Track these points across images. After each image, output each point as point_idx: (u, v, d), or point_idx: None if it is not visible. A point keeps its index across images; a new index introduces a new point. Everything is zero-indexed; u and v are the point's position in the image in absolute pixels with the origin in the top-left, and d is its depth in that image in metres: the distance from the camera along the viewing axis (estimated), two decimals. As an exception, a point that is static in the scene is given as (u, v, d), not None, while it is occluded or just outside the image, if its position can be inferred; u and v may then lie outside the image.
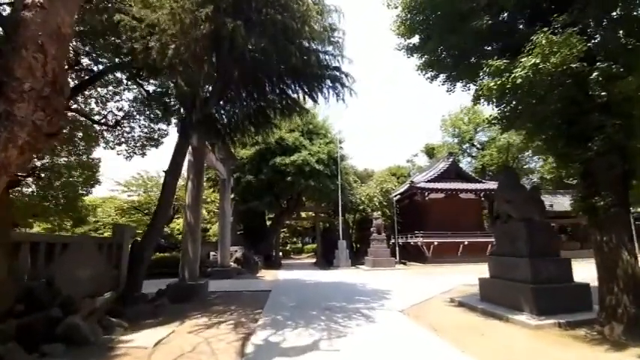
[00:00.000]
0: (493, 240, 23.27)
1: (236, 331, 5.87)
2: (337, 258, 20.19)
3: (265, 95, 10.57)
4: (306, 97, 10.38)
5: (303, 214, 27.95)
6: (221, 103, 9.98)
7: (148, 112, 13.00)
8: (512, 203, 7.88)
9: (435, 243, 21.63)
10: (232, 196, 20.72)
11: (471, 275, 15.04)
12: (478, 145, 30.65)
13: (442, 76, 8.84)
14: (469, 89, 8.94)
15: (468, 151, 31.43)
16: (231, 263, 17.13)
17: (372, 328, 5.98)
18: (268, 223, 25.33)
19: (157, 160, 32.07)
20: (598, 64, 5.64)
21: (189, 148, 10.53)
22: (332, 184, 19.64)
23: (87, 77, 11.19)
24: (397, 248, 21.19)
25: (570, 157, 6.39)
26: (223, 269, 14.94)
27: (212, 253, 17.99)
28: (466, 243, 22.04)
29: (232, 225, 20.59)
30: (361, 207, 22.60)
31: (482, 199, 24.55)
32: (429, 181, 23.12)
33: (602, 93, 5.65)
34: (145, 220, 20.77)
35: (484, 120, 34.22)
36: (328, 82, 9.76)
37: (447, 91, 9.14)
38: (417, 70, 9.06)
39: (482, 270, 18.09)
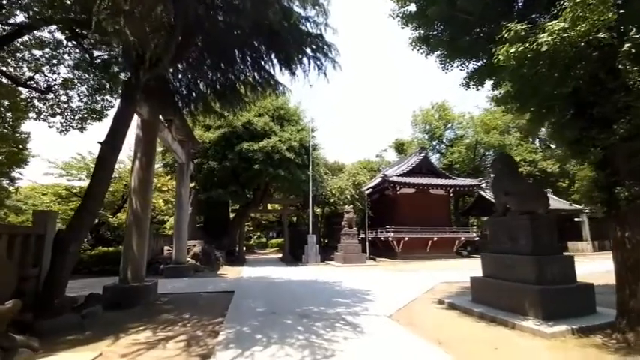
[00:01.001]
0: (461, 236, 23.67)
1: (189, 351, 4.44)
2: (306, 253, 19.01)
3: (234, 64, 9.00)
4: (283, 69, 8.95)
5: (270, 207, 26.39)
6: (179, 67, 8.25)
7: (91, 81, 10.78)
8: (513, 195, 7.12)
9: (406, 238, 21.22)
10: (193, 185, 18.75)
11: (445, 272, 14.67)
12: (447, 143, 30.92)
13: (438, 53, 7.94)
14: (467, 67, 8.14)
15: (437, 148, 31.64)
16: (189, 259, 15.31)
17: (363, 342, 4.83)
18: (232, 215, 23.49)
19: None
20: (631, 33, 4.89)
21: (139, 121, 8.72)
22: (303, 175, 18.36)
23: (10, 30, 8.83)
24: (367, 243, 20.48)
25: (587, 143, 5.66)
26: (179, 266, 13.13)
27: (167, 248, 15.97)
28: (435, 239, 21.90)
29: (191, 216, 18.62)
30: (332, 200, 21.58)
31: (452, 195, 24.65)
32: (400, 176, 22.65)
33: (634, 68, 4.91)
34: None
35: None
36: (309, 51, 8.43)
37: (443, 69, 8.28)
38: (411, 44, 8.08)
39: (453, 266, 18.51)
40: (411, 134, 33.11)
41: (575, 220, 28.08)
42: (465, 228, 24.70)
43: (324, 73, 8.66)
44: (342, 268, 16.33)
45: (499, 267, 7.04)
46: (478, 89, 9.21)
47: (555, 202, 26.69)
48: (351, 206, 19.97)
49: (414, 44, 8.25)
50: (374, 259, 21.03)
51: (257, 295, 8.52)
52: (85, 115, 11.17)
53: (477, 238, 23.69)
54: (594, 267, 15.15)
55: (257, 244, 41.47)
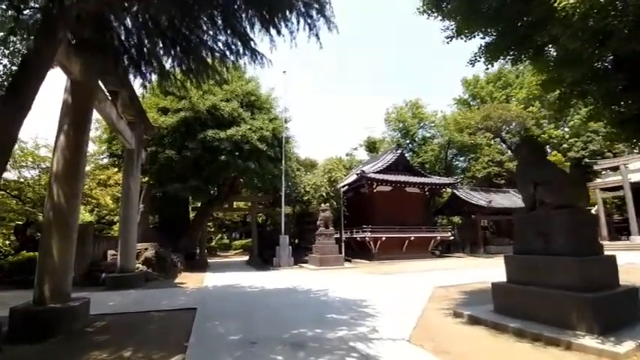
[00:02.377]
0: (437, 235, 23.17)
1: None
2: (278, 256, 17.16)
3: (199, 20, 7.05)
4: (263, 29, 7.14)
5: (237, 205, 24.10)
6: (127, 6, 6.12)
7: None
8: (546, 185, 5.98)
9: (383, 238, 20.17)
10: (146, 179, 16.15)
11: (432, 274, 13.61)
12: (419, 141, 30.64)
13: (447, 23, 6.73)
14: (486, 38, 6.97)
15: (410, 146, 31.26)
16: (139, 265, 12.91)
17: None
18: (192, 214, 20.93)
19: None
20: None
21: (68, 83, 6.47)
22: (275, 169, 16.53)
23: None
24: (342, 244, 19.11)
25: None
26: (125, 275, 10.76)
27: (111, 253, 13.31)
28: (412, 238, 21.11)
29: (143, 215, 16.01)
30: (305, 197, 19.94)
31: (427, 193, 24.12)
32: (377, 173, 21.60)
33: None
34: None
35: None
36: (300, 5, 6.74)
37: (457, 37, 7.07)
38: (421, 8, 6.83)
39: (434, 267, 17.58)
40: (383, 132, 32.69)
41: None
42: (441, 227, 24.29)
43: (316, 36, 7.01)
44: (320, 272, 14.75)
45: (528, 271, 5.87)
46: (487, 67, 8.15)
47: (520, 200, 27.30)
48: (327, 204, 18.48)
49: (424, 8, 6.94)
50: (349, 261, 19.70)
51: (227, 313, 6.64)
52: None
53: (452, 238, 23.35)
54: None
55: (220, 245, 38.54)
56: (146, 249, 13.90)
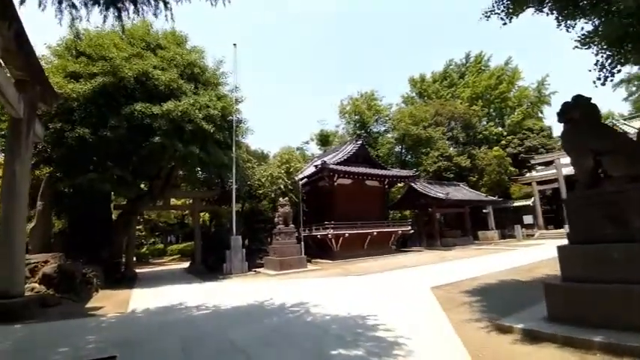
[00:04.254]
0: (397, 230, 22.24)
1: None
2: (229, 261, 14.32)
3: None
4: None
5: (175, 202, 20.44)
6: None
7: None
8: (615, 155, 4.60)
9: (346, 235, 18.49)
10: (47, 169, 12.29)
11: (412, 272, 12.01)
12: (375, 134, 29.81)
13: None
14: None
15: (366, 140, 30.28)
16: (33, 285, 9.38)
17: None
18: (115, 213, 16.90)
19: None
20: None
21: None
22: (225, 157, 13.69)
23: None
24: (302, 243, 16.94)
25: None
26: (5, 302, 7.26)
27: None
28: (375, 234, 19.81)
29: (42, 216, 12.12)
30: (260, 191, 17.33)
31: (386, 186, 23.15)
32: (338, 164, 19.85)
33: None
34: None
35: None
36: None
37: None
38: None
39: (404, 263, 16.11)
40: (337, 125, 31.33)
41: (484, 211, 30.16)
42: (401, 221, 23.51)
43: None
44: (283, 279, 12.38)
45: (597, 264, 4.42)
46: (505, 22, 6.83)
47: (472, 194, 28.06)
48: (286, 198, 16.14)
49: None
50: (309, 262, 17.59)
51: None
52: None
53: (412, 232, 22.70)
54: (534, 255, 14.71)
55: (152, 252, 33.43)
56: (45, 262, 10.18)
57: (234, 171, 14.45)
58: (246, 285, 11.36)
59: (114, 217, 16.44)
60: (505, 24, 6.73)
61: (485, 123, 38.47)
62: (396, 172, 22.72)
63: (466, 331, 4.91)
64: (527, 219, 31.12)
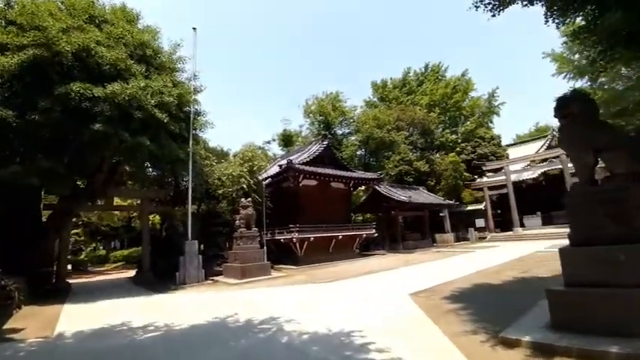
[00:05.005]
0: (362, 233, 21.89)
1: None
2: (184, 269, 12.77)
3: None
4: None
5: (119, 201, 18.08)
6: None
7: None
8: (617, 151, 4.36)
9: (311, 239, 17.69)
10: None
11: (383, 278, 11.40)
12: (339, 136, 29.49)
13: None
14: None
15: (331, 141, 29.86)
16: None
17: None
18: (46, 213, 14.41)
19: None
20: None
21: None
22: (181, 151, 12.21)
23: None
24: (265, 248, 15.82)
25: None
26: None
27: None
28: (340, 237, 19.27)
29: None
30: (220, 191, 15.90)
31: (351, 189, 22.80)
32: (303, 164, 19.02)
33: None
34: None
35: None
36: None
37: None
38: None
39: (370, 267, 15.82)
40: (301, 125, 30.50)
41: (440, 214, 31.19)
42: (366, 224, 23.25)
43: None
44: (246, 288, 11.20)
45: (602, 267, 4.13)
46: (494, 14, 6.60)
47: (431, 197, 28.82)
48: (249, 199, 14.92)
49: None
50: (272, 268, 16.52)
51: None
52: None
53: (376, 235, 22.54)
54: (495, 257, 15.21)
55: (91, 259, 29.84)
56: (-60, 274, 8.06)
57: (190, 168, 12.96)
58: (204, 297, 10.03)
59: (45, 218, 13.98)
60: (494, 16, 6.48)
61: (441, 130, 40.15)
62: (361, 174, 22.49)
63: (468, 346, 4.35)
64: (479, 222, 32.75)
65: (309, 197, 19.55)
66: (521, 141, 45.70)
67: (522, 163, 32.34)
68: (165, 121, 10.81)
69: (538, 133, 47.06)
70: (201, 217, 18.82)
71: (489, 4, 6.44)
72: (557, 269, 10.65)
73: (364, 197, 27.63)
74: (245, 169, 16.14)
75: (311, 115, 29.21)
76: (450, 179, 31.82)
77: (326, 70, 79.52)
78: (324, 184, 20.36)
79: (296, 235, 17.09)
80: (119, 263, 27.85)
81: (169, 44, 13.30)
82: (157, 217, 21.15)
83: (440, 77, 43.48)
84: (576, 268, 4.37)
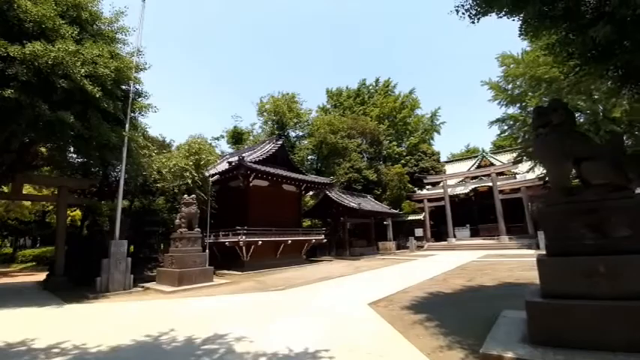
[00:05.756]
0: (312, 238, 21.25)
1: None
2: (107, 273, 10.81)
3: None
4: None
5: (30, 189, 14.99)
6: None
7: None
8: (597, 161, 4.42)
9: (259, 243, 16.63)
10: None
11: (336, 286, 10.84)
12: (293, 139, 28.77)
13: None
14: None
15: (285, 143, 28.97)
16: None
17: None
18: None
19: None
20: None
21: None
22: (114, 135, 10.43)
23: None
24: (207, 251, 14.35)
25: None
26: None
27: None
28: (289, 242, 18.49)
29: None
30: (158, 185, 14.06)
31: (303, 192, 22.20)
32: (255, 163, 17.92)
33: None
34: None
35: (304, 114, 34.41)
36: None
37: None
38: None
39: (320, 274, 15.21)
40: (253, 123, 29.05)
41: (384, 222, 32.19)
42: (316, 229, 22.74)
43: None
44: (185, 298, 9.80)
45: (582, 278, 4.11)
46: (473, 21, 6.61)
47: (378, 206, 29.54)
48: (193, 196, 13.39)
49: None
50: (214, 274, 15.06)
51: None
52: None
53: (325, 240, 22.18)
54: (437, 265, 15.59)
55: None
56: None
57: (124, 155, 11.16)
58: (132, 308, 8.49)
59: None
60: (473, 22, 6.50)
61: (389, 142, 41.91)
62: (314, 177, 22.06)
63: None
64: (418, 232, 34.52)
65: (260, 198, 18.50)
66: (455, 159, 49.91)
67: (457, 179, 35.06)
68: (97, 96, 9.10)
69: (469, 154, 51.96)
70: (133, 214, 16.57)
71: (467, 11, 6.44)
72: (499, 278, 11.38)
73: (314, 202, 27.25)
74: (191, 163, 14.53)
75: (265, 113, 28.05)
76: (395, 189, 33.10)
77: (282, 72, 78.65)
78: (276, 186, 19.48)
79: (243, 237, 15.89)
80: (28, 264, 23.42)
81: (112, 12, 11.45)
82: (78, 211, 18.13)
83: (389, 92, 45.55)
84: (555, 279, 4.29)
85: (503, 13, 6.25)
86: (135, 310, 8.12)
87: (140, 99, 12.46)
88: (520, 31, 6.31)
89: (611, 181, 4.27)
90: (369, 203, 28.01)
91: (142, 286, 11.63)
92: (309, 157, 29.96)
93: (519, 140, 31.28)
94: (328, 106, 42.65)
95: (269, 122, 28.30)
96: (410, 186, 35.70)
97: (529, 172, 31.74)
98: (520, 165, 29.91)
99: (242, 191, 18.02)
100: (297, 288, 10.76)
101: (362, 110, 39.87)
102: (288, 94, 28.21)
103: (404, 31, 79.98)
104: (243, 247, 16.16)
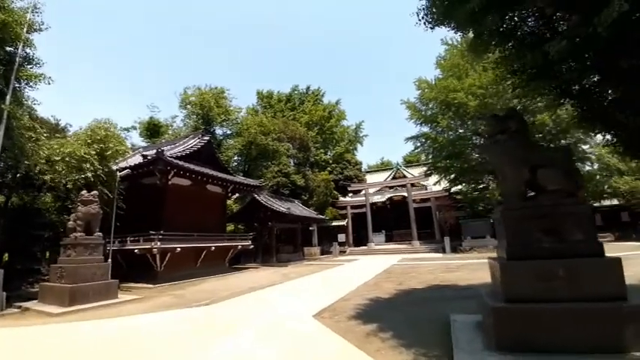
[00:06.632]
0: (237, 244, 19.52)
1: None
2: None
3: None
4: None
5: None
6: None
7: None
8: (552, 169, 4.68)
9: (178, 250, 14.56)
10: None
11: (269, 297, 9.86)
12: (220, 137, 26.57)
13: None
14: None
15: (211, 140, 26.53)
16: None
17: None
18: None
19: None
20: None
21: None
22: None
23: None
24: (110, 260, 11.85)
25: None
26: None
27: None
28: (213, 249, 16.73)
29: None
30: (46, 177, 11.04)
31: (229, 194, 20.50)
32: (176, 158, 15.76)
33: None
34: None
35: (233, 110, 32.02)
36: None
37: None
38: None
39: (248, 283, 14.20)
40: (174, 116, 25.79)
41: (310, 228, 32.16)
42: (242, 234, 21.08)
43: None
44: (77, 322, 7.66)
45: (543, 282, 4.25)
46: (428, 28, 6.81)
47: (305, 211, 29.29)
48: (94, 192, 10.86)
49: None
50: (119, 288, 12.52)
51: None
52: None
53: (252, 247, 20.78)
54: (364, 270, 15.65)
55: None
56: None
57: (1, 135, 8.42)
58: (1, 338, 6.22)
59: None
60: (432, 28, 6.61)
61: (316, 149, 42.45)
62: (243, 179, 20.59)
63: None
64: (341, 237, 35.45)
65: (179, 199, 16.36)
66: (374, 170, 53.45)
67: (376, 188, 37.35)
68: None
69: (383, 166, 56.50)
70: (10, 213, 12.84)
71: (423, 17, 6.56)
72: (425, 281, 11.93)
73: (237, 206, 25.56)
74: (93, 152, 11.83)
75: (189, 106, 25.21)
76: (322, 195, 33.46)
77: (210, 65, 73.62)
78: (200, 185, 17.52)
79: (158, 244, 13.67)
80: None
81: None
82: None
83: (319, 101, 46.41)
84: (517, 283, 4.33)
85: (457, 26, 6.47)
86: (6, 341, 5.93)
87: (30, 67, 9.70)
88: (471, 46, 6.59)
89: (564, 188, 4.55)
90: (297, 208, 27.55)
91: (20, 307, 8.87)
92: (236, 158, 28.15)
93: (430, 156, 34.12)
94: (258, 108, 41.21)
95: (193, 116, 25.56)
96: (335, 193, 36.58)
97: (436, 185, 35.35)
98: (430, 178, 33.64)
99: (158, 190, 15.65)
100: (225, 302, 9.49)
101: (292, 115, 39.59)
102: (216, 88, 26.03)
103: (340, 45, 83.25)
104: (157, 256, 13.92)
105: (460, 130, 28.93)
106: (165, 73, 69.80)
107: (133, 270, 14.39)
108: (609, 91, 4.66)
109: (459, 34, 6.72)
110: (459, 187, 31.27)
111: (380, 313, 7.16)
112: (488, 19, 5.36)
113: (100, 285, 9.94)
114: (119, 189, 13.49)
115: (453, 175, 29.87)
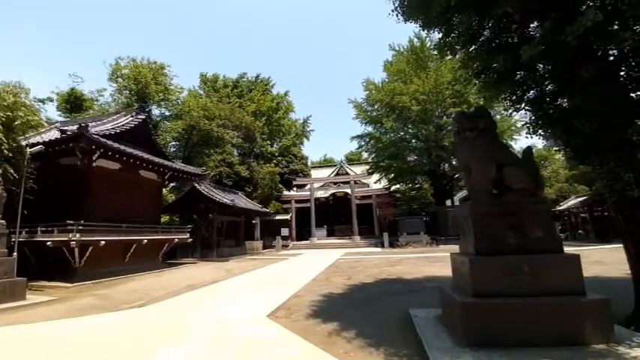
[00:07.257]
0: (174, 237, 17.67)
1: None
2: None
3: None
4: None
5: None
6: None
7: None
8: (516, 168, 4.89)
9: (102, 243, 12.66)
10: None
11: (213, 295, 9.05)
12: (157, 118, 23.89)
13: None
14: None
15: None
16: None
17: None
18: None
19: None
20: None
21: None
22: None
23: None
24: (16, 254, 9.75)
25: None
26: None
27: None
28: (145, 242, 14.98)
29: None
30: None
31: (166, 182, 18.57)
32: (104, 137, 13.63)
33: None
34: None
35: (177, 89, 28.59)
36: None
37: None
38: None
39: (187, 280, 13.10)
40: (102, 89, 22.25)
41: (253, 221, 31.07)
42: (179, 227, 19.23)
43: None
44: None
45: (509, 277, 4.42)
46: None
47: (250, 204, 28.13)
48: (-5, 172, 8.72)
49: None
50: (27, 287, 10.37)
51: None
52: None
53: (190, 240, 19.14)
54: (310, 264, 15.43)
55: None
56: None
57: None
58: None
59: None
60: (406, 22, 6.56)
61: (262, 140, 41.12)
62: (182, 166, 18.78)
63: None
64: (284, 231, 35.01)
65: (106, 184, 14.30)
66: (319, 165, 54.00)
67: (320, 183, 37.70)
68: None
69: (327, 162, 57.57)
70: None
71: (397, 8, 6.52)
72: (373, 275, 12.16)
73: (176, 195, 23.46)
74: (-4, 121, 9.48)
75: (120, 79, 21.93)
76: (267, 188, 32.55)
77: (148, 37, 66.25)
78: (132, 170, 15.51)
79: (77, 236, 11.69)
80: None
81: None
82: None
83: (268, 91, 44.95)
84: (487, 279, 4.41)
85: (427, 23, 6.49)
86: None
87: None
88: (439, 45, 6.67)
89: (527, 187, 4.76)
90: (241, 200, 26.30)
91: None
92: (174, 143, 25.73)
93: (373, 155, 35.55)
94: (201, 92, 38.27)
95: (125, 91, 22.37)
96: (280, 186, 35.91)
97: (377, 183, 36.93)
98: (372, 177, 35.06)
99: (80, 173, 13.41)
100: (162, 303, 8.42)
101: (239, 103, 37.60)
102: (156, 62, 23.14)
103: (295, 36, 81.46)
104: (76, 249, 11.92)
105: (401, 133, 30.64)
106: (91, 37, 60.89)
107: (46, 266, 12.17)
108: (568, 99, 4.99)
109: (426, 31, 6.76)
110: (398, 186, 33.14)
111: (337, 311, 6.97)
112: (462, 17, 5.39)
113: (3, 284, 8.08)
114: (29, 168, 11.18)
115: (392, 175, 31.57)
